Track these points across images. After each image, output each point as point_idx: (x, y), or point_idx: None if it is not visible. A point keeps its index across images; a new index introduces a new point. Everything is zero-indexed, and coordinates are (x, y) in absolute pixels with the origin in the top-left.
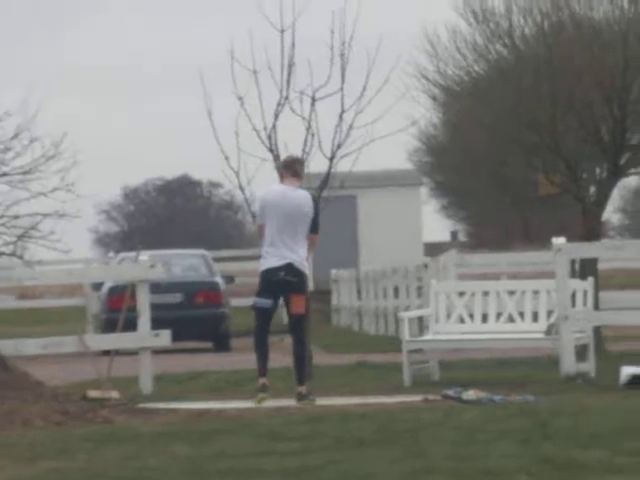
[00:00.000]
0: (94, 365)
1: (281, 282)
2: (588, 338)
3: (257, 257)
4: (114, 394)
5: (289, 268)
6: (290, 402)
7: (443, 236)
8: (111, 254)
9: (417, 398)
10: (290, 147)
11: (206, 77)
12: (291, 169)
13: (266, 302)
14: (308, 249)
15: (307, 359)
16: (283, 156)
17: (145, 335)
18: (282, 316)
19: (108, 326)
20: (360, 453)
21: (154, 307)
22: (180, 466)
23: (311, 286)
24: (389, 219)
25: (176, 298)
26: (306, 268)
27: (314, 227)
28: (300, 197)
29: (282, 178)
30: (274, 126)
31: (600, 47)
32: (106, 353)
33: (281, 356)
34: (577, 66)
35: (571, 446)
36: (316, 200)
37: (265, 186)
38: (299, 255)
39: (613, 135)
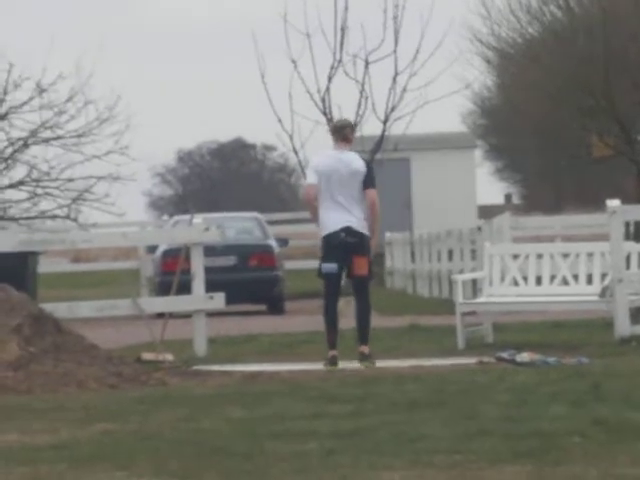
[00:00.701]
0: (148, 328)
1: (342, 244)
2: None
3: (310, 220)
4: (168, 357)
5: (348, 230)
6: (350, 364)
7: (497, 199)
8: (165, 217)
9: (471, 360)
10: (344, 110)
11: (259, 40)
12: (341, 134)
13: (332, 267)
14: (370, 206)
15: (370, 320)
16: (337, 119)
17: (199, 298)
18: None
19: (162, 289)
20: (413, 415)
21: (208, 270)
22: (233, 428)
23: (378, 248)
24: (443, 182)
25: (230, 261)
26: (366, 229)
27: (369, 182)
28: (350, 159)
29: (333, 142)
30: (328, 89)
31: None
32: (160, 316)
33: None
34: (631, 27)
35: (624, 408)
36: (366, 159)
37: (318, 149)
38: (357, 216)
39: None
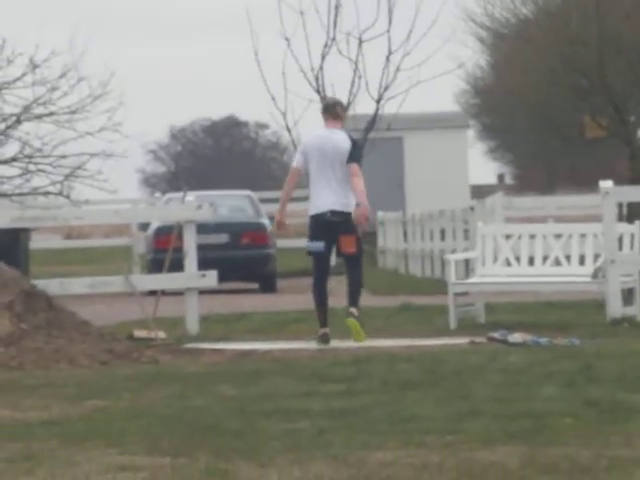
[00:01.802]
0: (140, 305)
1: (328, 224)
2: (635, 282)
3: (303, 198)
4: (160, 334)
5: (334, 212)
6: (342, 343)
7: (490, 179)
8: (158, 194)
9: (463, 340)
10: (337, 88)
11: (253, 18)
12: (332, 112)
13: (318, 245)
14: (354, 181)
15: (360, 291)
16: (328, 97)
17: (191, 275)
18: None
19: (154, 266)
20: (405, 395)
21: (200, 248)
22: (225, 406)
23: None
24: (435, 161)
25: (222, 239)
26: (351, 208)
27: (351, 157)
28: (338, 139)
29: (324, 121)
30: (321, 67)
31: None
32: (152, 293)
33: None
34: (625, 8)
35: (616, 389)
36: (353, 137)
37: (311, 127)
38: (344, 196)
39: None
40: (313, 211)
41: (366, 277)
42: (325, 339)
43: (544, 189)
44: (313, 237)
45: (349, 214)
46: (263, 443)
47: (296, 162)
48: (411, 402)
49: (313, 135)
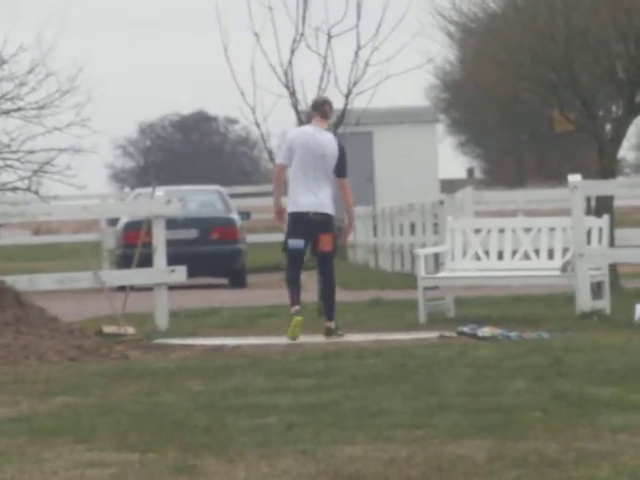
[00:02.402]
0: (109, 301)
1: (309, 221)
2: (603, 275)
3: (272, 193)
4: (129, 330)
5: (316, 211)
6: (311, 338)
7: (459, 173)
8: (127, 190)
9: (432, 335)
10: (306, 84)
11: (222, 13)
12: (320, 110)
13: (298, 242)
14: (343, 196)
15: (335, 295)
16: (299, 92)
17: (161, 271)
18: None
19: (123, 262)
20: (375, 389)
21: (170, 243)
22: (195, 402)
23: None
24: (405, 156)
25: (192, 234)
26: (332, 208)
27: (341, 171)
28: (327, 140)
29: (310, 118)
30: (290, 62)
31: None
32: (121, 289)
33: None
34: (592, 3)
35: (585, 383)
36: (342, 144)
37: (280, 122)
38: (325, 195)
39: (628, 73)
40: (293, 208)
41: (336, 272)
42: (298, 313)
43: (514, 183)
44: (293, 234)
45: (330, 216)
46: (232, 438)
47: (283, 158)
48: (380, 397)
49: (299, 131)
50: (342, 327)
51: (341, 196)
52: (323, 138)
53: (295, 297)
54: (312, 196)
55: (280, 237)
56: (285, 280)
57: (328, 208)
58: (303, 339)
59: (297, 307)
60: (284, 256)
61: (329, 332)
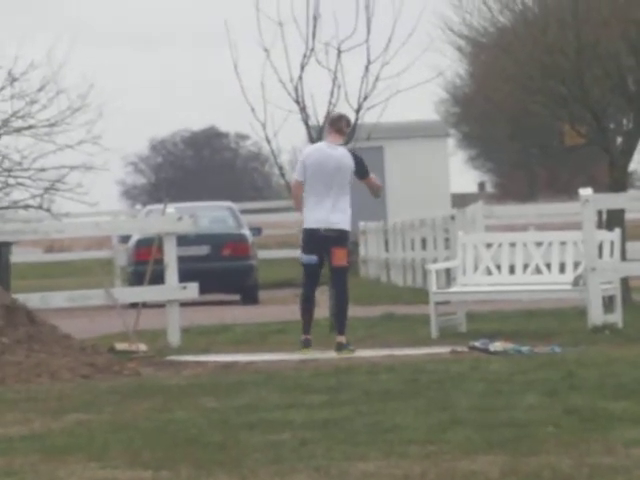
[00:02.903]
0: (121, 318)
1: (322, 237)
2: (615, 289)
3: (284, 209)
4: (141, 347)
5: (328, 227)
6: (324, 354)
7: (470, 187)
8: (138, 206)
9: (444, 350)
10: (317, 99)
11: (232, 29)
12: (336, 126)
13: (311, 258)
14: (374, 188)
15: (347, 310)
16: (310, 108)
17: (172, 288)
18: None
19: (135, 279)
20: (387, 405)
21: (181, 259)
22: (207, 419)
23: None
24: (416, 170)
25: (203, 250)
26: (346, 223)
27: (363, 172)
28: (340, 154)
29: (327, 134)
30: (300, 78)
31: None
32: (133, 306)
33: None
34: (602, 16)
35: (597, 397)
36: (356, 153)
37: (291, 138)
38: (340, 210)
39: (639, 86)
40: (306, 225)
41: (349, 287)
42: (307, 344)
43: (525, 197)
44: (306, 250)
45: (344, 230)
46: (245, 455)
47: (299, 175)
48: (393, 412)
49: (313, 148)
50: (353, 342)
51: (370, 187)
52: (336, 153)
53: (306, 325)
54: (324, 213)
55: (291, 253)
56: (300, 298)
57: (341, 224)
58: (315, 354)
59: (307, 337)
60: (299, 272)
61: (340, 347)
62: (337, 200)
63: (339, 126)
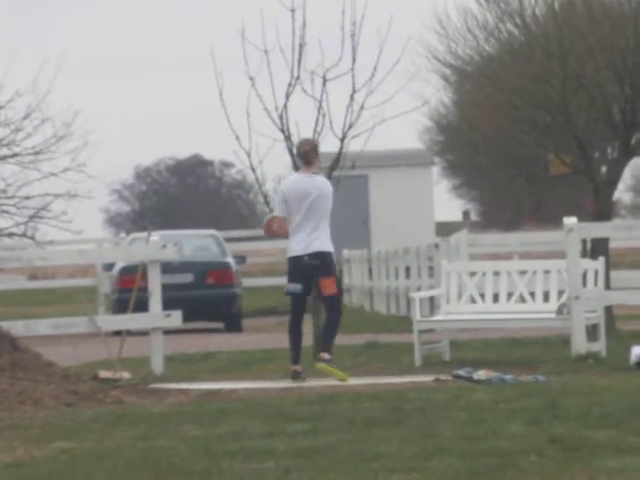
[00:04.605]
0: (105, 345)
1: (306, 267)
2: (599, 318)
3: (268, 237)
4: (125, 374)
5: (310, 252)
6: (306, 383)
7: (455, 216)
8: (122, 234)
9: (428, 378)
10: (301, 127)
11: (217, 57)
12: (303, 159)
13: (296, 287)
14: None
15: (335, 330)
16: (294, 136)
17: (156, 315)
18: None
19: (119, 306)
20: (371, 433)
21: (165, 287)
22: (190, 447)
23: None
24: (400, 199)
25: (187, 278)
26: (326, 244)
27: None
28: (319, 182)
29: (300, 167)
30: (285, 106)
31: (611, 26)
32: (117, 333)
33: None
34: (588, 45)
35: (581, 426)
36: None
37: (276, 166)
38: (321, 232)
39: (624, 114)
40: (291, 254)
41: (341, 312)
42: (296, 376)
43: (509, 226)
44: (291, 279)
45: (326, 253)
46: None
47: (280, 211)
48: (376, 440)
49: (289, 180)
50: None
51: None
52: (315, 182)
53: (295, 354)
54: (305, 239)
55: (275, 282)
56: (288, 330)
57: (322, 246)
58: (299, 383)
59: (296, 367)
60: (283, 300)
61: (321, 359)
62: (317, 224)
63: (307, 159)
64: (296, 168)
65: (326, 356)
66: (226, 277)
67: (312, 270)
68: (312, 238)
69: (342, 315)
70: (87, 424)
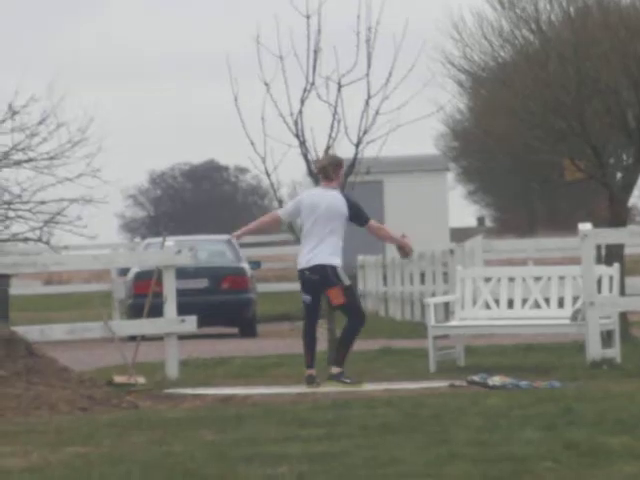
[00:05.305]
0: (120, 351)
1: (309, 280)
2: (614, 324)
3: (283, 242)
4: (140, 379)
5: (312, 269)
6: (321, 388)
7: (469, 221)
8: (137, 239)
9: (442, 384)
10: (316, 133)
11: (233, 63)
12: (323, 173)
13: (306, 298)
14: (379, 233)
15: (350, 342)
16: (309, 142)
17: (171, 321)
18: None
19: (134, 312)
20: (385, 439)
21: (180, 293)
22: (206, 452)
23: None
24: (415, 205)
25: (202, 283)
26: (327, 258)
27: (361, 218)
28: (331, 196)
29: (320, 182)
30: (300, 112)
31: (626, 32)
32: (132, 339)
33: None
34: (603, 51)
35: (596, 432)
36: (348, 196)
37: (291, 172)
38: (324, 252)
39: (639, 121)
40: (298, 266)
41: (346, 320)
42: (311, 380)
43: (524, 231)
44: (302, 290)
45: (327, 266)
46: None
47: (282, 211)
48: (391, 446)
49: (308, 193)
50: (351, 375)
51: (381, 237)
52: (329, 195)
53: (309, 359)
54: (308, 252)
55: (289, 287)
56: (302, 335)
57: (322, 260)
58: (313, 388)
59: (311, 371)
60: (298, 305)
61: (330, 377)
62: (324, 238)
63: (326, 173)
64: (311, 174)
65: (335, 370)
66: (241, 282)
67: (314, 284)
68: (315, 252)
69: (364, 322)
70: (102, 429)
